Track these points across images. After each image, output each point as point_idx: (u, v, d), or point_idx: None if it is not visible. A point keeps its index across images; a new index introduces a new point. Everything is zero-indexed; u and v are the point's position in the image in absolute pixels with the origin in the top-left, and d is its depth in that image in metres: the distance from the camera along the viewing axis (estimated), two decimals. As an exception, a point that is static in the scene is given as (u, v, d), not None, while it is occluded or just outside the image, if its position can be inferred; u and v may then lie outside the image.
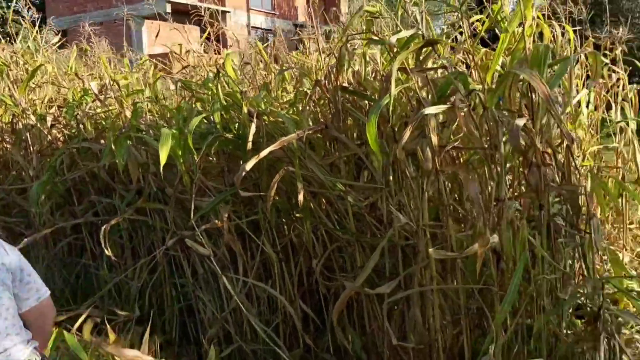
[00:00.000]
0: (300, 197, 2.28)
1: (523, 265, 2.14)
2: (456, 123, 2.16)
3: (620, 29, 3.71)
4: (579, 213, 2.56)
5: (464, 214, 2.42)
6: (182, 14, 3.34)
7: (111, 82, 3.07)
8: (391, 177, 2.42)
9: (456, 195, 2.44)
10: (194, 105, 2.76)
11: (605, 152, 3.90)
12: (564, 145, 2.52)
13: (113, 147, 2.78)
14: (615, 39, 3.56)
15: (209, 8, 3.47)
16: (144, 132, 2.93)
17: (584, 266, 2.45)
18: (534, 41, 2.32)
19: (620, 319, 2.41)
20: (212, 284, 2.81)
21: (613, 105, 3.97)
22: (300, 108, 2.69)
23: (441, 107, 2.03)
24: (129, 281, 3.14)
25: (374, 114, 2.01)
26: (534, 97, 2.27)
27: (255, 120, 2.41)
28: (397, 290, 2.32)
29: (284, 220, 2.73)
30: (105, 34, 4.57)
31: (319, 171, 2.50)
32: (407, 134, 2.01)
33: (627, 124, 3.95)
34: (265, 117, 2.50)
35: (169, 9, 16.05)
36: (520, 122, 1.90)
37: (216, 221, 2.60)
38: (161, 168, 2.39)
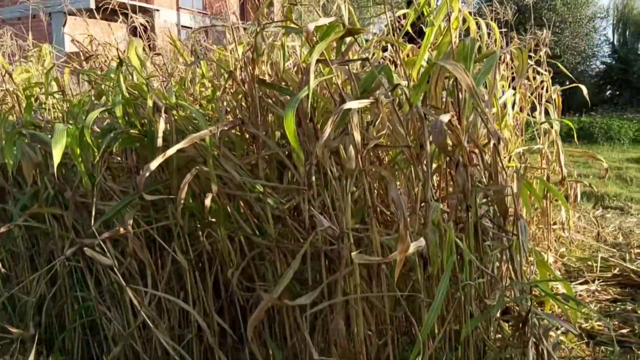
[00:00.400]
0: (208, 201, 2.07)
1: (450, 270, 2.03)
2: (380, 120, 2.01)
3: (544, 31, 3.74)
4: (506, 214, 2.49)
5: (390, 217, 2.29)
6: (107, 12, 3.05)
7: (3, 74, 2.73)
8: (314, 178, 2.25)
9: (384, 197, 2.30)
10: (94, 99, 2.48)
11: (529, 153, 3.92)
12: (491, 144, 2.45)
13: (3, 144, 2.46)
14: (539, 40, 3.57)
15: (135, 6, 3.22)
16: (40, 129, 2.62)
17: (511, 269, 2.38)
18: (460, 38, 2.22)
19: (547, 322, 2.35)
20: (117, 297, 2.54)
21: (537, 106, 4.00)
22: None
23: (363, 102, 1.88)
24: (25, 295, 2.81)
25: (291, 108, 1.83)
26: (460, 94, 2.18)
27: (163, 115, 2.18)
28: (320, 300, 2.16)
29: (198, 225, 2.50)
30: (25, 30, 4.18)
31: (236, 172, 2.30)
32: (327, 130, 1.84)
33: (551, 125, 3.99)
34: (175, 112, 2.27)
35: (92, 4, 15.31)
36: (445, 117, 1.79)
37: (120, 228, 2.34)
38: (55, 168, 2.11)
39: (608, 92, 21.77)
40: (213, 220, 2.33)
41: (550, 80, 3.94)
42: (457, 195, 2.29)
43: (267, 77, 2.39)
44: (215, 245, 2.44)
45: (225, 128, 2.18)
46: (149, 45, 3.50)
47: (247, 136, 2.40)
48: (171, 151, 2.02)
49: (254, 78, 2.18)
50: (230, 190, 2.35)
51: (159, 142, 2.16)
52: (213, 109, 2.73)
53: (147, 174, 1.97)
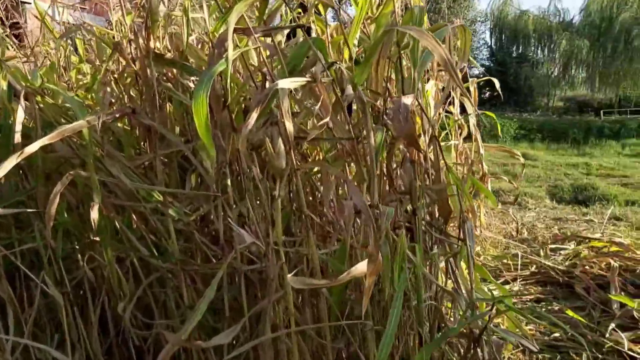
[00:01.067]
0: (94, 213, 1.54)
1: (403, 289, 1.66)
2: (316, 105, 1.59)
3: (460, 18, 3.52)
4: (449, 217, 2.19)
5: (325, 226, 1.89)
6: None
7: None
8: (229, 181, 1.78)
9: (318, 202, 1.89)
10: None
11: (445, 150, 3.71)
12: (427, 138, 2.12)
13: None
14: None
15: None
16: None
17: (460, 280, 2.07)
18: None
19: (500, 339, 2.06)
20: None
21: (454, 100, 3.80)
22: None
23: (298, 81, 1.45)
24: None
25: (203, 88, 1.36)
26: (404, 74, 1.82)
27: (22, 101, 1.60)
28: (242, 336, 1.70)
29: (76, 247, 1.93)
30: None
31: (126, 176, 1.77)
32: (253, 118, 1.39)
33: (468, 120, 3.80)
34: (40, 99, 1.69)
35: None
36: (408, 100, 1.41)
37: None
38: None
39: (487, 94, 23.10)
40: (96, 239, 1.78)
41: (467, 71, 3.76)
42: (399, 197, 1.94)
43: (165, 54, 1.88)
44: (100, 271, 1.89)
45: (109, 119, 1.65)
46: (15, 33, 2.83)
47: (139, 132, 1.88)
48: (32, 148, 1.47)
49: (149, 53, 1.67)
50: (119, 200, 1.82)
51: (17, 137, 1.59)
52: (93, 99, 2.17)
53: (-3, 182, 1.41)
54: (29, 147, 1.47)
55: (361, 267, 1.35)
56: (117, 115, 1.65)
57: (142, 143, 2.02)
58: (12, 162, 1.44)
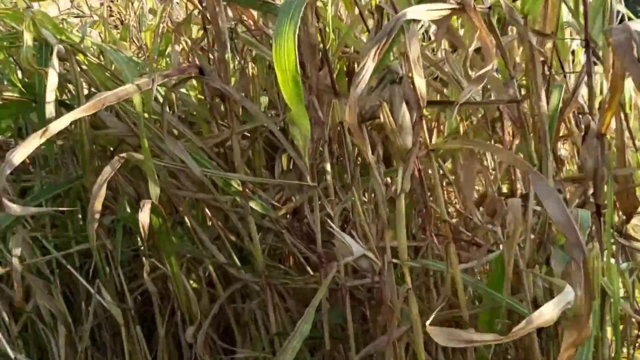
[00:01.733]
0: (144, 215, 1.11)
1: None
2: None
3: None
4: (633, 213, 1.56)
5: (463, 230, 1.34)
6: None
7: None
8: (328, 166, 1.29)
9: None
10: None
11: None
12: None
13: None
14: None
15: None
16: None
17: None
18: None
19: None
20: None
21: None
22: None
23: (438, 8, 0.90)
24: None
25: (288, 26, 0.87)
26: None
27: (55, 60, 1.19)
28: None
29: (140, 250, 1.54)
30: None
31: (196, 159, 1.33)
32: (367, 71, 0.87)
33: None
34: (82, 57, 1.28)
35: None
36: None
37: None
38: None
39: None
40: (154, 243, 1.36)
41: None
42: (572, 186, 1.35)
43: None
44: (166, 283, 1.49)
45: (168, 81, 1.20)
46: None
47: (210, 101, 1.43)
48: (59, 124, 1.05)
49: (217, -13, 1.19)
50: (186, 192, 1.38)
51: (50, 109, 1.18)
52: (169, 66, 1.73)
53: (8, 172, 1.00)
54: (54, 124, 1.06)
55: (549, 313, 0.80)
56: (181, 76, 1.20)
57: (214, 121, 1.57)
58: (31, 144, 1.03)
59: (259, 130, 1.49)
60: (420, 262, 1.24)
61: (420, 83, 0.96)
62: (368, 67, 0.89)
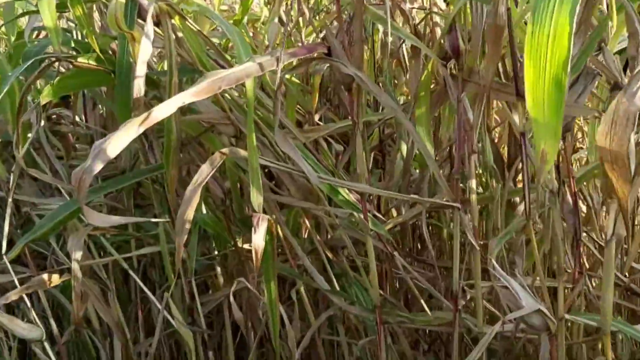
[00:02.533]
0: (258, 237, 0.85)
1: None
2: None
3: None
4: None
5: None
6: None
7: None
8: (473, 183, 1.01)
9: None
10: None
11: None
12: None
13: None
14: None
15: None
16: None
17: None
18: None
19: None
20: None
21: None
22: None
23: None
24: None
25: None
26: None
27: (151, 26, 0.92)
28: None
29: (218, 256, 1.28)
30: None
31: (300, 158, 1.06)
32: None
33: None
34: (178, 22, 1.00)
35: None
36: None
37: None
38: None
39: None
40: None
41: None
42: None
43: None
44: (251, 303, 1.23)
45: (294, 60, 0.93)
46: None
47: (333, 87, 1.16)
48: (164, 111, 0.78)
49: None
50: (289, 198, 1.12)
51: (138, 86, 0.90)
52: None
53: (100, 167, 0.74)
54: (158, 109, 0.79)
55: None
56: (310, 55, 0.92)
57: (320, 109, 1.30)
58: (128, 134, 0.76)
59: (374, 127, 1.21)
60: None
61: None
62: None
